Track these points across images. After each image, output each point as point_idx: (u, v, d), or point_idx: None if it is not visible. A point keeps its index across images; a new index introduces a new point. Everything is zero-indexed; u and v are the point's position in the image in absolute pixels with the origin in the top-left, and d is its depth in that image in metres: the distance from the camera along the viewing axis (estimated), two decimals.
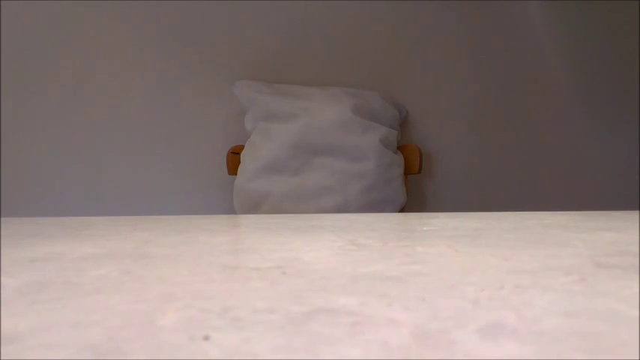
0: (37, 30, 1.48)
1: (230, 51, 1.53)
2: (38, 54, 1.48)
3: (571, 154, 1.67)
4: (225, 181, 1.52)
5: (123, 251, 0.39)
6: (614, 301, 0.23)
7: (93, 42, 1.50)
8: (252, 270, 0.31)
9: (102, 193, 1.52)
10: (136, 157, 1.53)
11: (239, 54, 1.54)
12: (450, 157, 1.62)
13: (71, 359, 0.17)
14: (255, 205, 1.33)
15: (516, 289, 0.26)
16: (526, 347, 0.18)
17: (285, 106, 1.37)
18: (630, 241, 0.42)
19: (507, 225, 0.54)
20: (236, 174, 1.42)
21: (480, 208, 1.62)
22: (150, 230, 0.52)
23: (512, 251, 0.37)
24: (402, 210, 1.41)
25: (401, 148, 1.47)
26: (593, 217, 0.62)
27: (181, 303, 0.24)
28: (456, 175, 1.62)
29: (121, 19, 1.50)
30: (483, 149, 1.63)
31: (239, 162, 1.41)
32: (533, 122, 1.65)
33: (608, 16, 1.65)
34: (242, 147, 1.45)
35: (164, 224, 0.57)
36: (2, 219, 0.65)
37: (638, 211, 0.69)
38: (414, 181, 1.59)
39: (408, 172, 1.45)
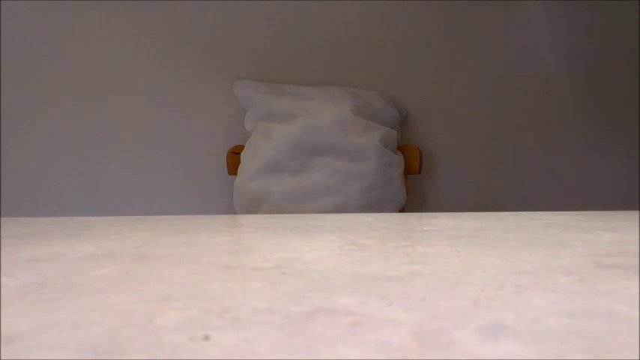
0: (38, 30, 1.48)
1: (230, 51, 1.53)
2: (38, 54, 1.48)
3: (571, 154, 1.67)
4: (225, 181, 1.52)
5: (123, 251, 0.39)
6: (614, 301, 0.23)
7: (93, 42, 1.50)
8: (252, 270, 0.31)
9: (102, 193, 1.52)
10: (136, 157, 1.53)
11: (239, 54, 1.54)
12: (450, 157, 1.62)
13: (71, 359, 0.17)
14: (255, 205, 1.33)
15: (516, 289, 0.26)
16: (526, 347, 0.18)
17: (285, 106, 1.37)
18: (630, 241, 0.42)
19: (507, 225, 0.54)
20: (236, 174, 1.42)
21: (480, 208, 1.62)
22: (150, 230, 0.52)
23: (512, 251, 0.37)
24: (402, 210, 1.41)
25: (401, 148, 1.47)
26: (593, 217, 0.62)
27: (181, 303, 0.24)
28: (456, 175, 1.62)
29: (121, 19, 1.50)
30: (483, 149, 1.63)
31: (239, 162, 1.41)
32: (533, 122, 1.65)
33: (608, 16, 1.65)
34: (242, 147, 1.45)
35: (164, 224, 0.57)
36: (2, 219, 0.65)
37: (638, 211, 0.69)
38: (414, 181, 1.59)
39: (408, 172, 1.45)
